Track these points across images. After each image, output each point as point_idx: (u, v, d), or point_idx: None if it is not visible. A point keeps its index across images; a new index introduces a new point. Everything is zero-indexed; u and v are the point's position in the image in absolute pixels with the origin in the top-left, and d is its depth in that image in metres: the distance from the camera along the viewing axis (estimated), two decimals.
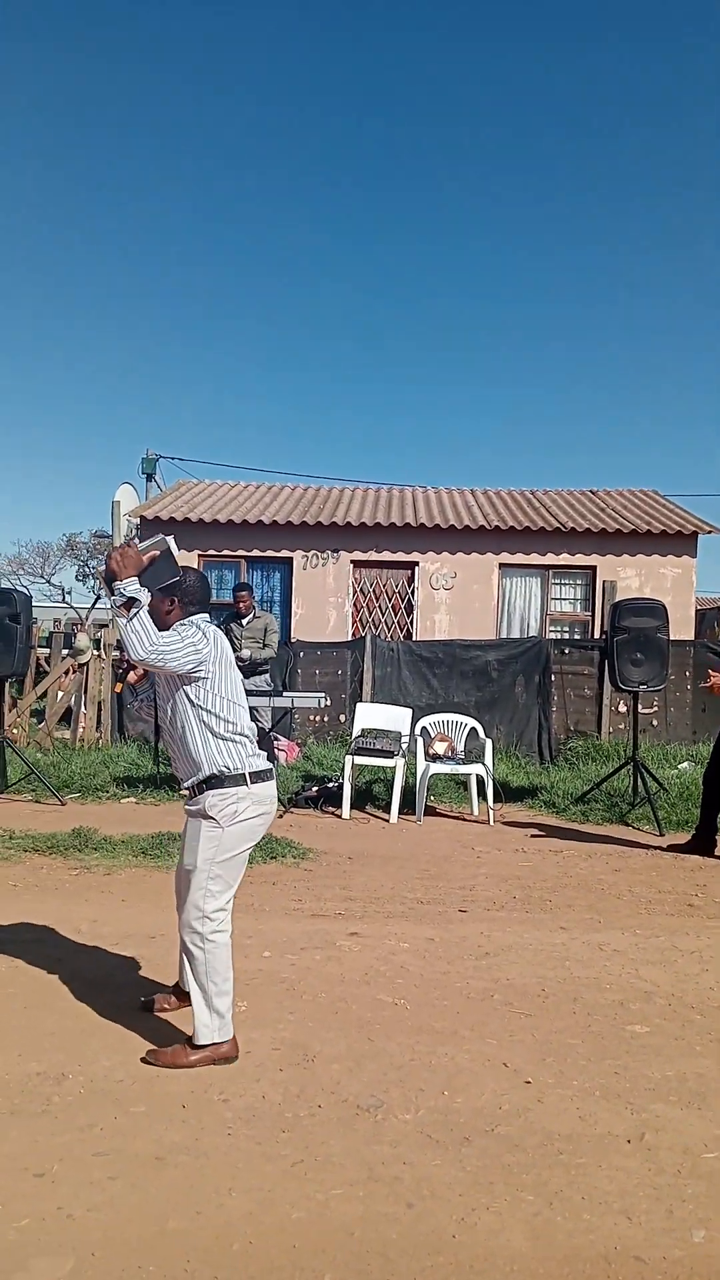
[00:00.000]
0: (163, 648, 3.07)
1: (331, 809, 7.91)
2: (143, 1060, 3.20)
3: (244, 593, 8.80)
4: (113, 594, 3.09)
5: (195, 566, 3.59)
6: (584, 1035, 3.55)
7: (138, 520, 13.99)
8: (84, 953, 4.23)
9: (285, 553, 13.47)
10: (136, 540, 3.25)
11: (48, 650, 10.64)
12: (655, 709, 10.22)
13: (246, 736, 3.27)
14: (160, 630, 3.15)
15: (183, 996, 3.52)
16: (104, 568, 3.10)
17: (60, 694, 10.26)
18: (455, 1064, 3.28)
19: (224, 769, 3.19)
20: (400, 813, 7.71)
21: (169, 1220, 2.34)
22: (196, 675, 3.17)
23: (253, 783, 3.21)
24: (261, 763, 3.26)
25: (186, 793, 3.33)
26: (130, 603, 3.06)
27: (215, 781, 3.18)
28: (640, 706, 8.60)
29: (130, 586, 3.07)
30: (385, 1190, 2.51)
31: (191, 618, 3.31)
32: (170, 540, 3.29)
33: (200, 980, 3.17)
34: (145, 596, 3.10)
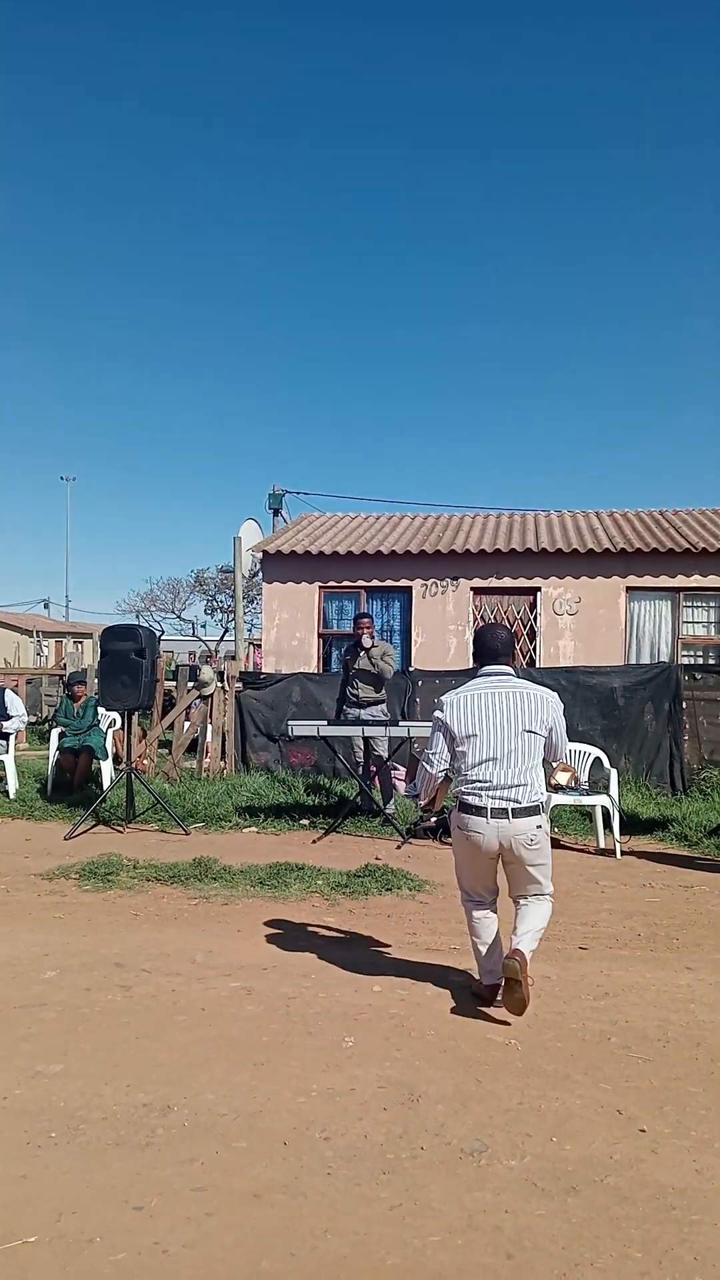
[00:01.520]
0: (429, 762, 4.18)
1: (450, 840, 7.80)
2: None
3: (365, 619, 8.85)
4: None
5: (493, 622, 4.55)
6: (706, 1083, 3.36)
7: (260, 555, 14.26)
8: (197, 983, 4.28)
9: (404, 582, 13.46)
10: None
11: (174, 683, 10.92)
12: None
13: (464, 778, 4.02)
14: None
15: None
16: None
17: (187, 725, 10.51)
18: (566, 1109, 3.15)
19: (459, 797, 4.08)
20: None
21: (262, 1261, 2.32)
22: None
23: (460, 811, 4.04)
24: (473, 801, 3.98)
25: None
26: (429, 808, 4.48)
27: (458, 807, 4.08)
28: None
29: (430, 813, 4.24)
30: (484, 1239, 2.43)
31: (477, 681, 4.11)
32: None
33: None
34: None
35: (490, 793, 3.94)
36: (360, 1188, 2.66)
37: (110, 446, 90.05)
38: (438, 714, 4.07)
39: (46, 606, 48.15)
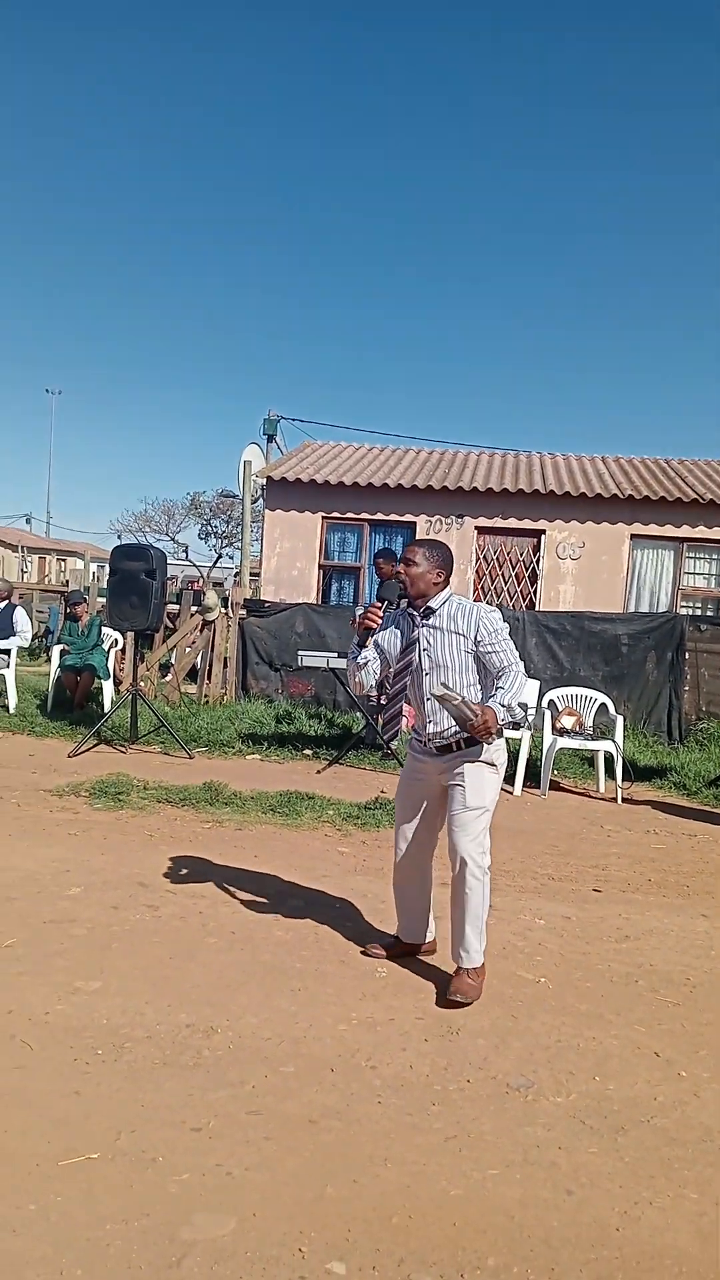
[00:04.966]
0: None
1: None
2: (444, 1005, 3.40)
3: (387, 560, 8.39)
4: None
5: (440, 540, 3.83)
6: None
7: (264, 481, 14.05)
8: (223, 906, 4.27)
9: (409, 517, 13.31)
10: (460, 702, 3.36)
11: (177, 606, 10.81)
12: None
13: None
14: (419, 595, 3.59)
15: (404, 946, 3.92)
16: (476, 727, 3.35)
17: (188, 650, 10.43)
18: (604, 1049, 3.18)
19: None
20: (524, 785, 7.58)
21: (326, 1186, 2.32)
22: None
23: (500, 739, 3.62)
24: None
25: (448, 746, 3.58)
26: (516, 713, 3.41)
27: (498, 732, 3.52)
28: None
29: (505, 718, 3.36)
30: (543, 1175, 2.45)
31: (451, 589, 3.67)
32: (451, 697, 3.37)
33: (476, 910, 3.54)
34: (517, 713, 3.39)
35: None
36: (412, 1118, 2.67)
37: (100, 361, 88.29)
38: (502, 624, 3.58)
39: (28, 522, 47.56)
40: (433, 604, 3.59)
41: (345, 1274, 2.04)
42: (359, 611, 3.84)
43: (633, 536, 12.99)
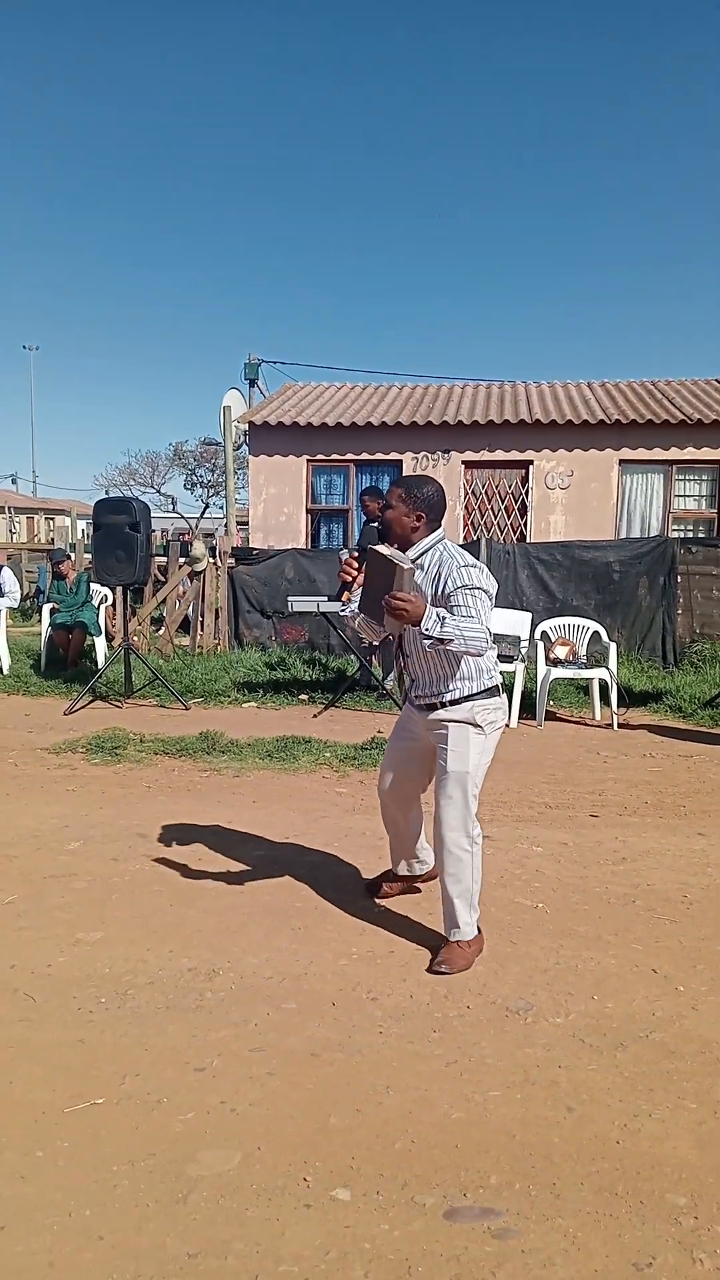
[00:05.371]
0: (485, 629, 3.03)
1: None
2: (431, 971, 3.16)
3: (373, 498, 8.44)
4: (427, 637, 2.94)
5: (429, 477, 3.25)
6: None
7: (245, 426, 13.88)
8: (220, 852, 4.30)
9: (395, 455, 13.17)
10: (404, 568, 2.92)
11: (164, 559, 10.75)
12: None
13: (489, 658, 3.36)
14: (400, 540, 3.26)
15: (401, 880, 3.87)
16: (394, 614, 2.88)
17: (179, 602, 10.38)
18: (602, 969, 3.21)
19: (490, 682, 3.33)
20: (519, 717, 7.59)
21: (330, 1117, 2.36)
22: None
23: (497, 694, 3.37)
24: (497, 681, 3.39)
25: (432, 704, 3.34)
26: (448, 635, 2.92)
27: (486, 693, 3.31)
28: None
29: (432, 628, 2.89)
30: (543, 1093, 2.48)
31: (440, 535, 3.33)
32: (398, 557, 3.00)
33: (465, 882, 3.26)
34: (449, 635, 2.91)
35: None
36: (414, 1046, 2.71)
37: (74, 314, 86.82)
38: (487, 579, 3.19)
39: (14, 482, 47.16)
40: (411, 552, 3.25)
41: (350, 1200, 2.07)
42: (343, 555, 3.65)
43: (622, 462, 12.88)
